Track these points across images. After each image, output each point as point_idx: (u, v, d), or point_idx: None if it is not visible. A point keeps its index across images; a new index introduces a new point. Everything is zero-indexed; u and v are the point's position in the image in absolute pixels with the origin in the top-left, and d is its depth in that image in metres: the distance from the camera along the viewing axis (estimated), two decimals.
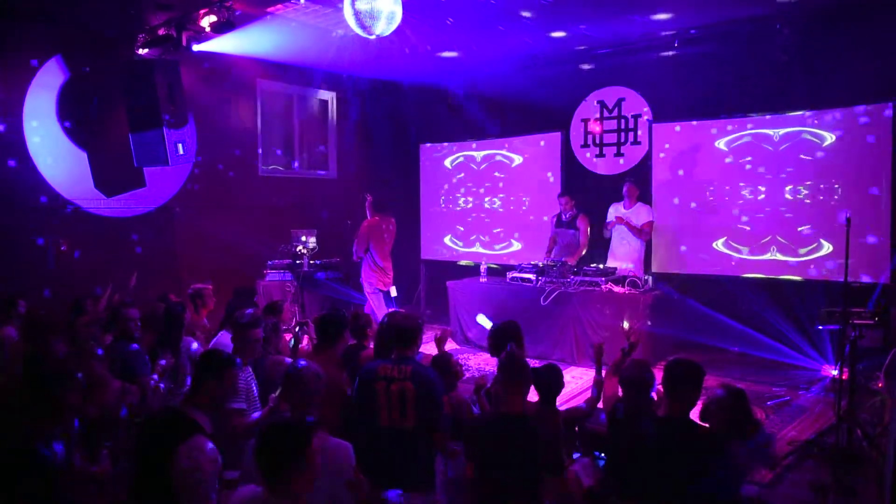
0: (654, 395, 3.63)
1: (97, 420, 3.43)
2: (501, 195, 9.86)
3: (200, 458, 2.72)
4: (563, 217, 8.20)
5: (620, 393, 3.62)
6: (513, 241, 9.73)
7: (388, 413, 3.55)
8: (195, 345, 5.03)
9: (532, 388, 3.58)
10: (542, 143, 9.39)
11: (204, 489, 2.71)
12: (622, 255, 7.87)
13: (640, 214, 7.80)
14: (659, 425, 3.19)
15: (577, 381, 6.63)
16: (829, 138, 7.06)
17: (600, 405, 4.02)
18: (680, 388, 3.15)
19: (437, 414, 3.55)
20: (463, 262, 10.15)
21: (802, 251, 7.23)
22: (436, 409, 3.55)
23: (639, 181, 8.10)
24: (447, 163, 10.47)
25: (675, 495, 2.94)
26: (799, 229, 7.24)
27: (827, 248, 7.05)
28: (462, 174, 10.30)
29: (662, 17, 7.27)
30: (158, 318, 4.98)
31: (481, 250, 10.02)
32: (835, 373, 5.94)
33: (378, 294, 8.08)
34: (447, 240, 10.47)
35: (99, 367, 3.70)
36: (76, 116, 7.39)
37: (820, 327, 5.78)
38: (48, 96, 7.20)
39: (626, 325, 5.41)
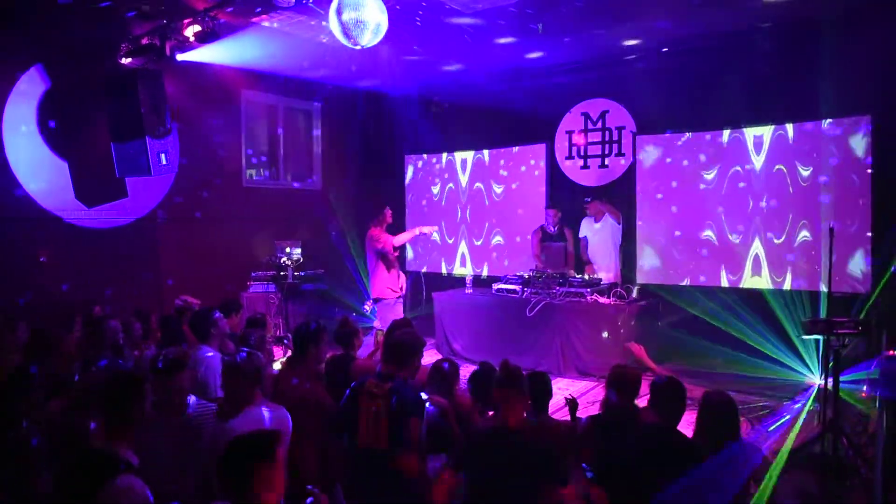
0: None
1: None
2: (486, 206, 9.85)
3: (126, 501, 2.48)
4: (550, 230, 8.22)
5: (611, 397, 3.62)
6: (497, 251, 9.72)
7: (366, 432, 3.39)
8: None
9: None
10: (526, 154, 9.41)
11: None
12: (599, 266, 8.01)
13: (609, 225, 8.04)
14: (643, 432, 3.22)
15: (563, 393, 6.58)
16: (811, 151, 7.14)
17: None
18: (666, 404, 3.21)
19: (404, 436, 3.33)
20: (448, 273, 10.12)
21: (786, 261, 7.29)
22: (403, 430, 3.32)
23: (623, 193, 8.17)
24: (432, 174, 10.47)
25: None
26: (782, 240, 7.31)
27: (810, 257, 7.11)
28: (447, 185, 10.29)
29: (647, 29, 7.34)
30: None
31: (467, 261, 10.01)
32: (820, 382, 5.97)
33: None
34: (432, 250, 10.45)
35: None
36: (57, 126, 7.27)
37: (803, 337, 5.82)
38: (28, 105, 7.09)
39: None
